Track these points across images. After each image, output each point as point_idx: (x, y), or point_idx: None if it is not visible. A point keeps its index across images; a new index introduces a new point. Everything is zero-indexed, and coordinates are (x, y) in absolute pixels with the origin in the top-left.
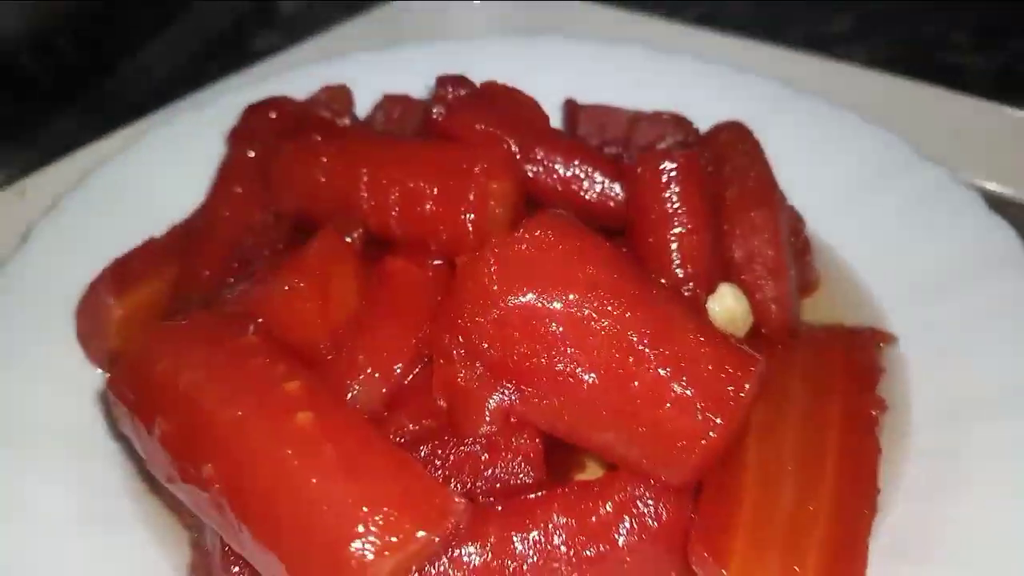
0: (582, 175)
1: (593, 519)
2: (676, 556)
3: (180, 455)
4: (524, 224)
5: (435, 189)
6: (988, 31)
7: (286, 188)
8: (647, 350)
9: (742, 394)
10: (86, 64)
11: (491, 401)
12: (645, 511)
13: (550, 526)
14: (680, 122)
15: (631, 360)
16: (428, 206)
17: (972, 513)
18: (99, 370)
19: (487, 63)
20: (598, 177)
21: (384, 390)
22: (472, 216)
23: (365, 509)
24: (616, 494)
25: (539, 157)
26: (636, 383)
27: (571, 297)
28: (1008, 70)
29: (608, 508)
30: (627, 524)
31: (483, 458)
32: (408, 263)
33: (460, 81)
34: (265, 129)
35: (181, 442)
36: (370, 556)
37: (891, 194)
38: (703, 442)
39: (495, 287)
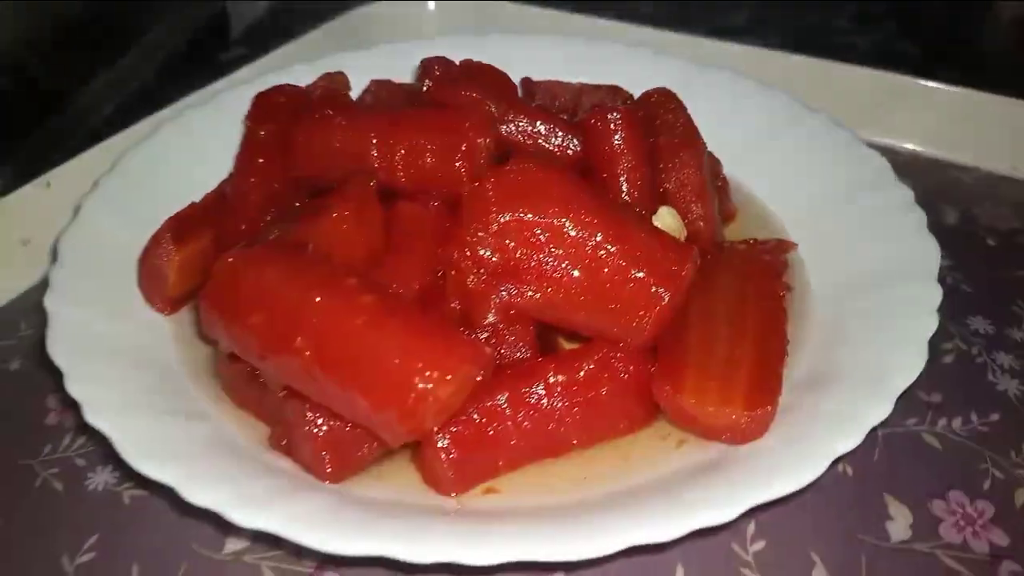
0: (546, 131)
1: (580, 375)
2: (642, 399)
3: (272, 336)
4: (513, 161)
5: (433, 145)
6: (865, 18)
7: (306, 155)
8: (611, 247)
9: (683, 272)
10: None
11: (494, 298)
12: (619, 367)
13: (549, 381)
14: (617, 90)
15: (600, 255)
16: (428, 159)
17: (851, 357)
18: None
19: (454, 56)
20: (558, 132)
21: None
22: (464, 165)
23: (424, 353)
24: (595, 355)
25: (512, 118)
26: (605, 270)
27: (552, 210)
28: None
29: (591, 366)
30: (605, 376)
31: (492, 341)
32: (415, 205)
33: (443, 61)
34: (276, 111)
35: (272, 327)
36: (431, 385)
37: (786, 138)
38: (656, 310)
39: (494, 207)
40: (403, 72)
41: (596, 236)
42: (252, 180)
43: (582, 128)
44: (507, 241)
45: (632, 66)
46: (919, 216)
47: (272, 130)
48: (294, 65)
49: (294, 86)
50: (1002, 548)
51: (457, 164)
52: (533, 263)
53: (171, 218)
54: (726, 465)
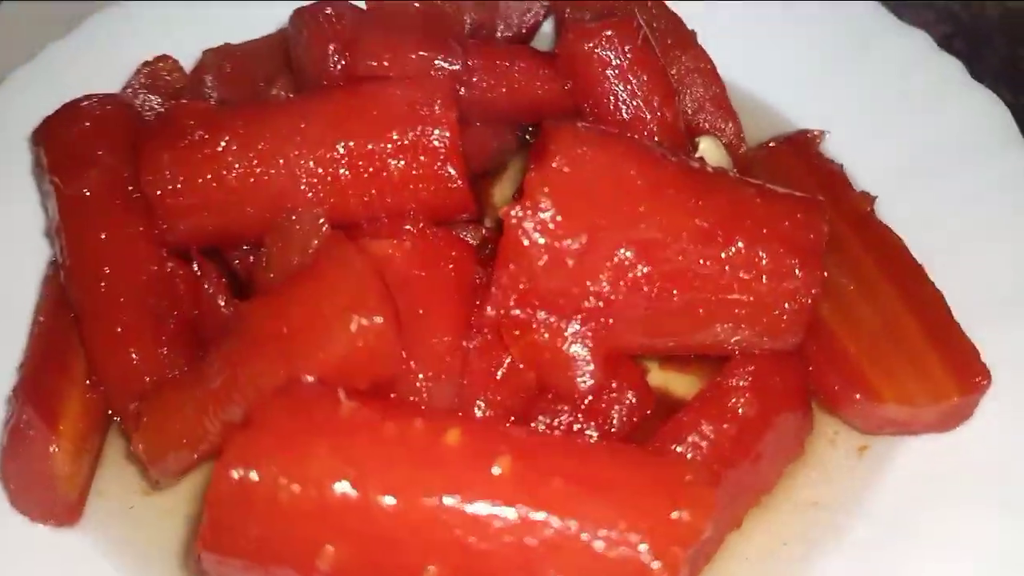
0: (524, 69)
1: (739, 410)
2: (805, 408)
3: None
4: (552, 149)
5: (393, 145)
6: None
7: (178, 211)
8: (723, 232)
9: (821, 237)
10: None
11: (581, 352)
12: (776, 383)
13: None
14: None
15: (713, 249)
16: (393, 165)
17: None
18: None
19: None
20: (542, 71)
21: (449, 386)
22: (449, 161)
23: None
24: (740, 381)
25: (477, 66)
26: (725, 268)
27: (640, 209)
28: None
29: (743, 398)
30: (766, 402)
31: (603, 407)
32: (397, 242)
33: (337, 7)
34: (83, 144)
35: (366, 570)
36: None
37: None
38: (809, 298)
39: (560, 230)
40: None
41: (699, 222)
42: (105, 271)
43: (569, 57)
44: (588, 269)
45: None
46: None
47: (99, 181)
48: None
49: (100, 96)
50: None
51: (438, 164)
52: (628, 287)
53: (22, 387)
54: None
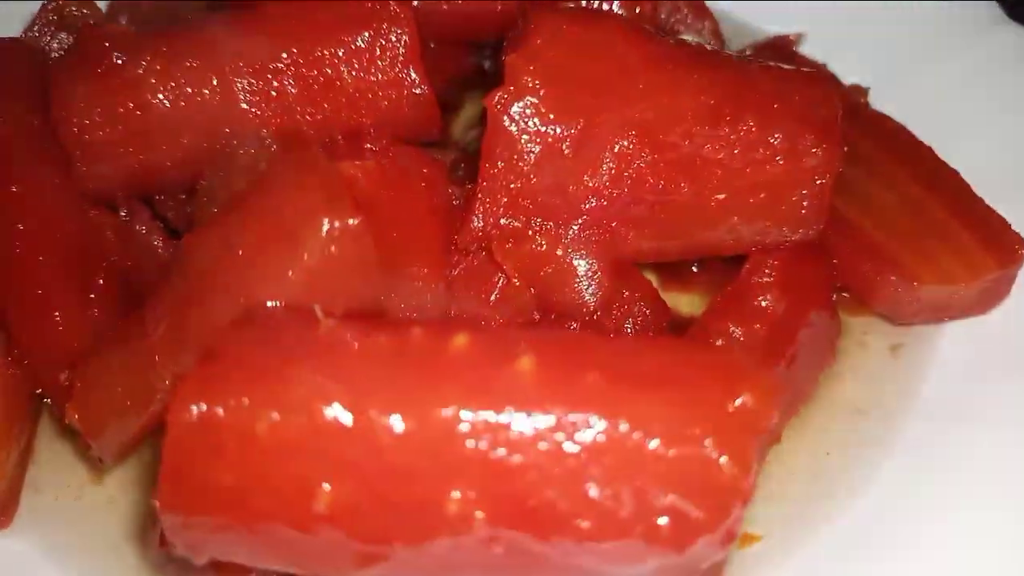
0: None
1: (763, 314)
2: (830, 304)
3: (369, 518)
4: (534, 27)
5: (345, 49)
6: None
7: (99, 150)
8: (731, 110)
9: (836, 112)
10: None
11: (584, 264)
12: (806, 279)
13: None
14: None
15: (722, 130)
16: (346, 73)
17: None
18: None
19: None
20: None
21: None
22: (411, 64)
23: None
24: (768, 280)
25: None
26: (736, 150)
27: (639, 87)
28: None
29: (771, 298)
30: (794, 299)
31: (613, 323)
32: (360, 163)
33: None
34: None
35: (375, 509)
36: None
37: None
38: (828, 176)
39: (551, 115)
40: None
41: (706, 99)
42: (19, 228)
43: None
44: (587, 160)
45: None
46: None
47: (5, 130)
48: None
49: (7, 43)
50: None
51: (397, 71)
52: (632, 178)
53: None
54: None
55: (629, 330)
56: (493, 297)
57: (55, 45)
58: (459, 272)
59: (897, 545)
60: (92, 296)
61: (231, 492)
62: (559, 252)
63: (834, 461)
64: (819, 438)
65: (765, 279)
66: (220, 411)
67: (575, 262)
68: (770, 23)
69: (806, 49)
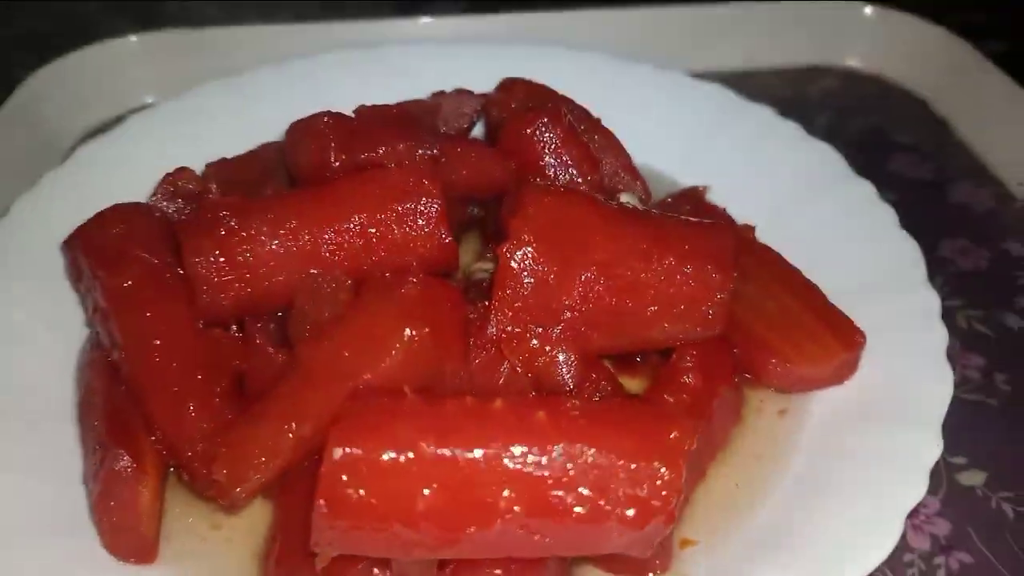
0: (477, 154)
1: (687, 387)
2: (738, 388)
3: (457, 513)
4: (527, 200)
5: (396, 214)
6: None
7: (220, 286)
8: (658, 252)
9: (732, 249)
10: None
11: (564, 356)
12: (716, 362)
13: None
14: (465, 93)
15: (652, 264)
16: (396, 231)
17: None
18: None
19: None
20: (490, 154)
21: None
22: (441, 224)
23: (649, 447)
24: (690, 364)
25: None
26: (663, 277)
27: (597, 239)
28: None
29: (692, 376)
30: (706, 379)
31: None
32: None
33: (330, 116)
34: (121, 244)
35: (454, 503)
36: (671, 473)
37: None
38: (724, 293)
39: (541, 260)
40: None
41: (643, 245)
42: (156, 343)
43: (513, 141)
44: (566, 289)
45: (541, 64)
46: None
47: (139, 273)
48: None
49: (131, 207)
50: None
51: (431, 229)
52: (597, 300)
53: (109, 438)
54: None
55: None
56: (501, 380)
57: (172, 208)
58: (477, 363)
59: (787, 545)
60: (216, 390)
61: (364, 503)
62: (547, 348)
63: (742, 489)
64: (731, 473)
65: (687, 364)
66: (356, 451)
67: (558, 356)
68: (681, 175)
69: (711, 197)
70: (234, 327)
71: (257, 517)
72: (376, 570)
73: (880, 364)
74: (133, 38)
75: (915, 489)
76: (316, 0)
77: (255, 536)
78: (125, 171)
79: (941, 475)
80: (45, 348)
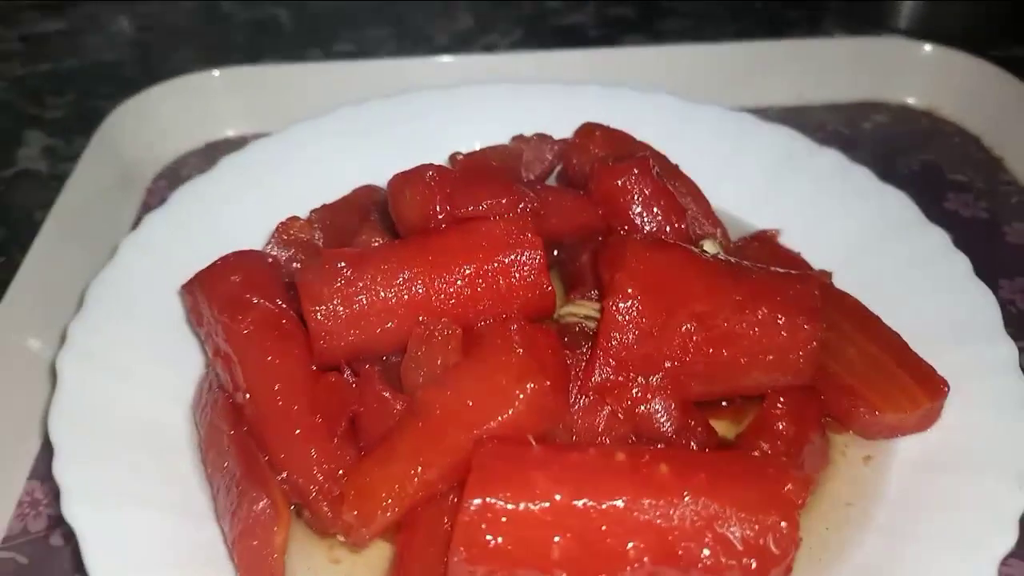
0: (569, 202)
1: (780, 434)
2: (825, 433)
3: (588, 562)
4: (628, 254)
5: (500, 265)
6: None
7: (337, 332)
8: (751, 303)
9: (816, 299)
10: None
11: (663, 404)
12: (806, 409)
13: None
14: (544, 138)
15: (746, 316)
16: (501, 281)
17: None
18: None
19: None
20: (580, 202)
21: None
22: (542, 274)
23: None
24: (781, 411)
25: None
26: (756, 329)
27: (695, 291)
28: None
29: (784, 423)
30: (797, 427)
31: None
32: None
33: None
34: (244, 293)
35: (585, 551)
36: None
37: (798, 179)
38: (814, 343)
39: (643, 312)
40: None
41: (737, 298)
42: (276, 387)
43: (603, 190)
44: (667, 340)
45: (612, 106)
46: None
47: (258, 319)
48: None
49: (248, 254)
50: None
51: (533, 279)
52: (695, 350)
53: (248, 480)
54: None
55: (694, 446)
56: (601, 426)
57: (285, 255)
58: (577, 408)
59: None
60: (337, 432)
61: (500, 550)
62: (648, 396)
63: (831, 535)
64: (820, 518)
65: (778, 411)
66: (491, 500)
67: (658, 403)
68: (751, 218)
69: (782, 241)
70: (348, 372)
71: (374, 552)
72: None
73: (962, 413)
74: (216, 72)
75: (1006, 537)
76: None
77: (374, 570)
78: (225, 212)
79: None
80: (162, 387)
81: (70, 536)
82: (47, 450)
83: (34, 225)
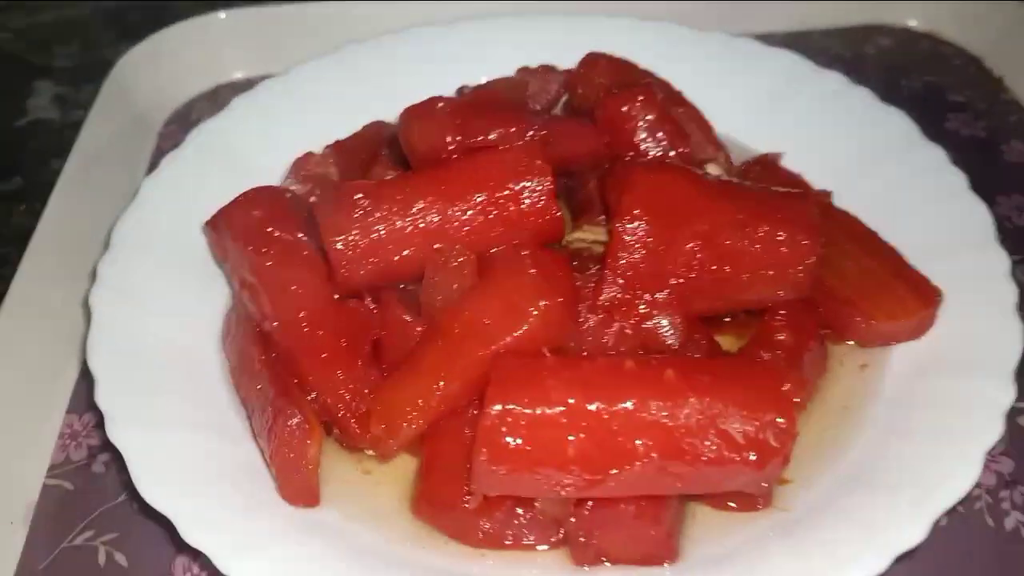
0: (575, 131)
1: (780, 344)
2: (823, 343)
3: (599, 459)
4: (634, 178)
5: (511, 192)
6: None
7: (356, 261)
8: (752, 221)
9: (815, 216)
10: None
11: (669, 319)
12: (805, 320)
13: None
14: (550, 69)
15: (748, 233)
16: (512, 208)
17: None
18: None
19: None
20: (586, 130)
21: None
22: (551, 199)
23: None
24: (781, 323)
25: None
26: (757, 245)
27: (698, 210)
28: None
29: (785, 334)
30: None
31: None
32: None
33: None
34: (267, 226)
35: (598, 450)
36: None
37: (800, 100)
38: (813, 258)
39: (650, 233)
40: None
41: (739, 216)
42: (301, 315)
43: (609, 118)
44: (678, 259)
45: (616, 36)
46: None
47: (280, 250)
48: None
49: (268, 189)
50: None
51: (543, 204)
52: (704, 268)
53: (282, 398)
54: None
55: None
56: (611, 342)
57: (302, 190)
58: (587, 326)
59: (876, 482)
60: (360, 355)
61: (520, 451)
62: (655, 312)
63: (830, 435)
64: (820, 421)
65: (779, 323)
66: (511, 406)
67: (664, 318)
68: (754, 142)
69: (784, 163)
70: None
71: (399, 463)
72: (519, 509)
73: (954, 319)
74: (222, 15)
75: (992, 431)
76: None
77: (401, 480)
78: (240, 150)
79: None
80: (191, 319)
81: (110, 463)
82: (81, 386)
83: (51, 173)
